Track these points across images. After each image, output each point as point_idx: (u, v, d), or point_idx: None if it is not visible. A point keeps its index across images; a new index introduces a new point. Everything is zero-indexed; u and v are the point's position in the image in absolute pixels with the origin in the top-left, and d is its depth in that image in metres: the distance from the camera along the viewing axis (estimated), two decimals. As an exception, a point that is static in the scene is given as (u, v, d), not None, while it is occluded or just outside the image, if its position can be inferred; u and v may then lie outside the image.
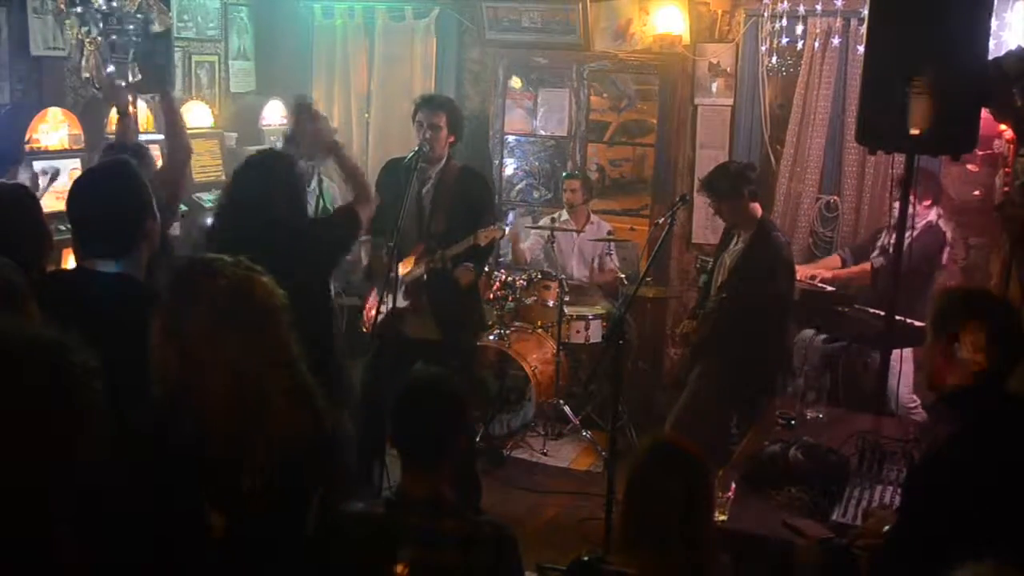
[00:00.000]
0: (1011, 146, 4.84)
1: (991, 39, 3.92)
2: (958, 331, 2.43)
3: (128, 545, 1.79)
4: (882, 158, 5.25)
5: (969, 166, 5.42)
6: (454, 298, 4.44)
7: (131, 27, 4.47)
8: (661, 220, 5.04)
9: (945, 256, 5.08)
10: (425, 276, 4.40)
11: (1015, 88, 4.01)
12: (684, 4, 6.03)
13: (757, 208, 4.62)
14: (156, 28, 4.53)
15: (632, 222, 6.39)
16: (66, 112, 5.34)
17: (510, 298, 5.76)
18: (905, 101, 3.58)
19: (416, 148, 4.31)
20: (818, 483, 2.98)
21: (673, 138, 6.24)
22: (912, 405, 4.87)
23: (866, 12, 3.92)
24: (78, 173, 4.44)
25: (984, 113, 3.82)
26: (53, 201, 4.61)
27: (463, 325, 4.57)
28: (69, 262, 3.56)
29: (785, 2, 5.62)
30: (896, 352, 4.28)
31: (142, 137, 4.82)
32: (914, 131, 3.60)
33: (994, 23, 4.22)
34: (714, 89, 6.10)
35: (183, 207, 4.99)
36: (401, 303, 4.37)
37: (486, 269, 5.30)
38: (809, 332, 5.09)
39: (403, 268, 4.37)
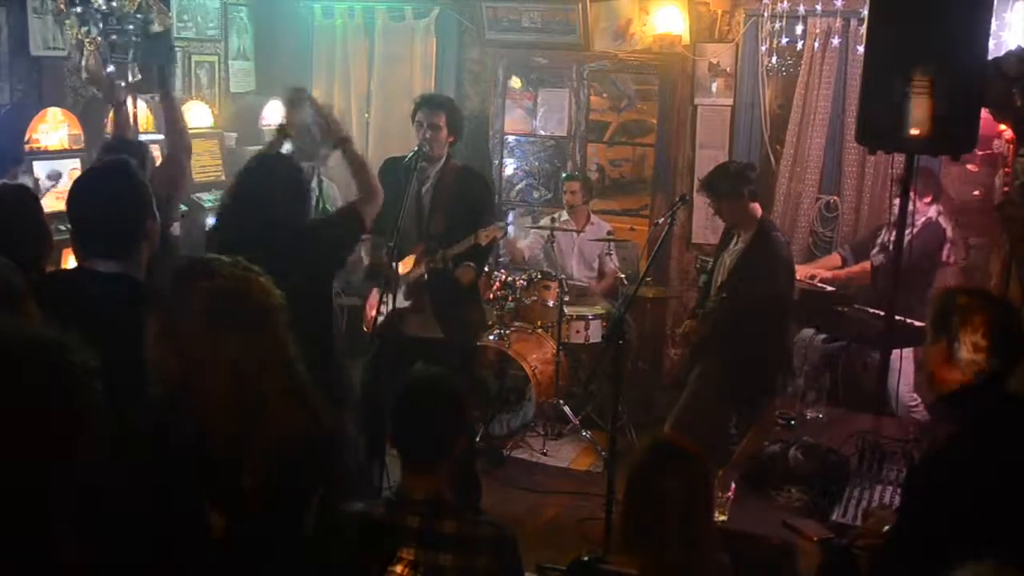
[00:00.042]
0: (1011, 146, 4.85)
1: (991, 39, 3.92)
2: (958, 331, 2.43)
3: (128, 545, 1.79)
4: (882, 158, 5.24)
5: (969, 166, 5.42)
6: (455, 298, 4.44)
7: (131, 27, 4.47)
8: (661, 220, 5.05)
9: (946, 252, 5.08)
10: (426, 276, 4.40)
11: (1015, 88, 4.02)
12: (684, 4, 6.03)
13: (757, 208, 4.62)
14: (156, 28, 4.54)
15: (632, 222, 6.39)
16: (66, 112, 5.34)
17: (510, 298, 5.76)
18: (905, 101, 3.58)
19: (416, 148, 4.31)
20: (818, 483, 2.98)
21: (673, 138, 6.25)
22: (912, 405, 4.87)
23: (866, 12, 3.92)
24: (78, 173, 4.45)
25: (984, 113, 3.82)
26: (53, 201, 4.61)
27: (464, 325, 4.57)
28: (69, 262, 3.55)
29: (785, 2, 5.62)
30: (896, 352, 4.28)
31: (142, 137, 4.82)
32: (914, 131, 3.60)
33: (994, 23, 4.22)
34: (714, 89, 6.10)
35: (183, 207, 4.99)
36: (402, 303, 4.37)
37: (486, 269, 5.30)
38: (809, 332, 5.09)
39: (402, 268, 4.37)
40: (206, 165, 6.34)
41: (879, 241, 5.16)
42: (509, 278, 5.80)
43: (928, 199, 4.97)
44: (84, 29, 4.53)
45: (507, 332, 5.64)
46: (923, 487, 2.34)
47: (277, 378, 2.00)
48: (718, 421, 4.69)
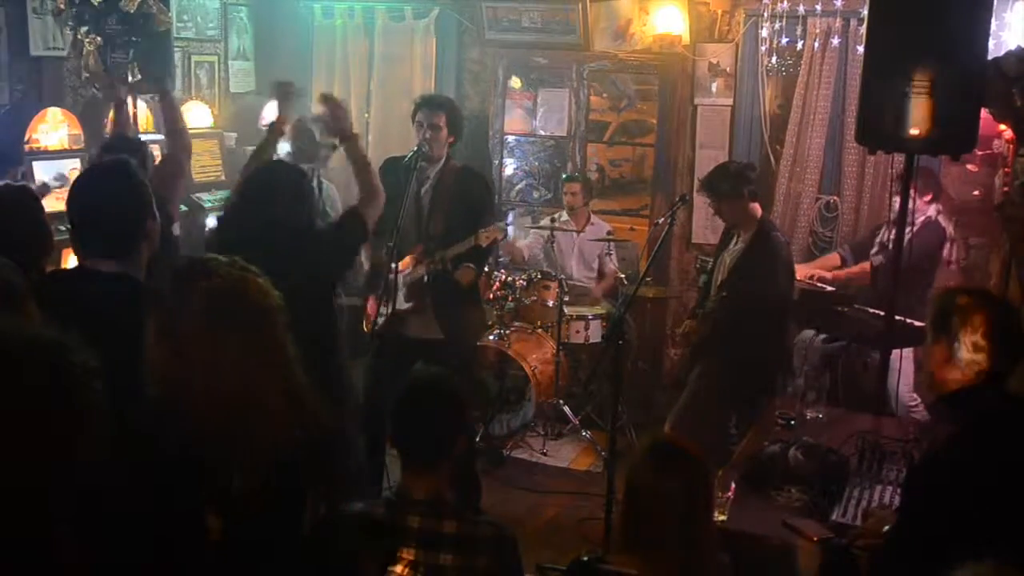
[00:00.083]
0: (1011, 146, 4.85)
1: (991, 39, 3.92)
2: (958, 331, 2.43)
3: (128, 545, 1.79)
4: (882, 158, 5.25)
5: (969, 166, 5.42)
6: (455, 299, 4.44)
7: (131, 27, 4.47)
8: (661, 220, 5.05)
9: (947, 251, 5.08)
10: (426, 277, 4.40)
11: (1015, 88, 4.02)
12: (684, 4, 6.03)
13: (757, 208, 4.62)
14: (156, 28, 4.54)
15: (632, 222, 6.39)
16: (66, 112, 5.34)
17: (510, 298, 5.76)
18: (905, 101, 3.59)
19: (415, 147, 4.31)
20: (818, 483, 2.98)
21: (673, 138, 6.25)
22: (912, 405, 4.87)
23: (866, 12, 3.92)
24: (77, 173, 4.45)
25: (984, 113, 3.82)
26: (53, 201, 4.60)
27: (464, 325, 4.57)
28: (69, 262, 3.56)
29: (785, 2, 5.62)
30: (896, 352, 4.28)
31: (142, 137, 4.83)
32: (914, 131, 3.60)
33: (994, 23, 4.22)
34: (714, 89, 6.10)
35: (183, 207, 4.99)
36: (403, 305, 4.37)
37: (486, 269, 5.30)
38: (809, 332, 5.09)
39: (400, 266, 4.37)
40: (206, 165, 6.35)
41: (878, 240, 5.16)
42: (509, 278, 5.80)
43: (928, 198, 4.97)
44: (84, 29, 4.53)
45: (507, 332, 5.64)
46: (923, 487, 2.34)
47: (274, 378, 2.00)
48: (718, 421, 4.69)
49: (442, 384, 2.37)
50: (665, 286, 6.29)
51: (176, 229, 4.17)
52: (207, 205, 6.02)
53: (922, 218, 4.89)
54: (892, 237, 4.11)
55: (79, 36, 4.58)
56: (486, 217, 4.50)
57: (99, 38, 4.46)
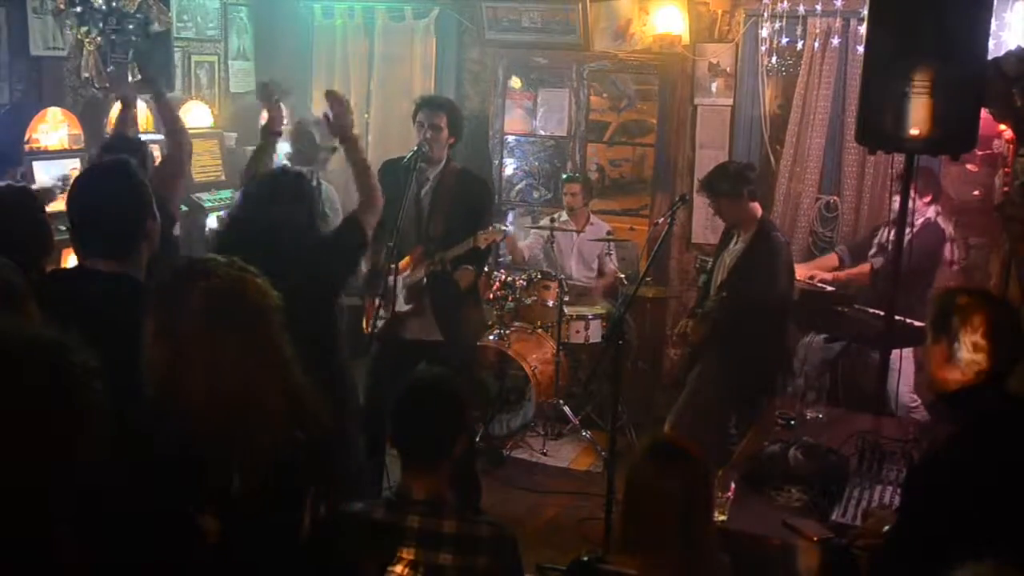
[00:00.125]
0: (1011, 146, 4.85)
1: (991, 39, 3.92)
2: (958, 331, 2.43)
3: (128, 545, 1.79)
4: (882, 158, 5.25)
5: (969, 166, 5.42)
6: (455, 300, 4.44)
7: (131, 27, 4.48)
8: (661, 220, 5.05)
9: (947, 251, 5.08)
10: (426, 279, 4.40)
11: (1015, 88, 4.02)
12: (684, 4, 6.03)
13: (757, 208, 4.62)
14: (156, 28, 4.55)
15: (632, 222, 6.39)
16: (66, 112, 5.34)
17: (510, 298, 5.76)
18: (905, 101, 3.59)
19: (415, 148, 4.31)
20: (818, 483, 2.98)
21: (673, 138, 6.25)
22: (912, 405, 4.87)
23: (866, 12, 3.92)
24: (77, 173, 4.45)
25: (984, 113, 3.82)
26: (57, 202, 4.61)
27: (464, 326, 4.57)
28: (69, 262, 3.56)
29: (785, 2, 5.62)
30: (896, 352, 4.28)
31: (142, 137, 4.83)
32: (914, 131, 3.61)
33: (994, 23, 4.22)
34: (714, 89, 6.10)
35: (183, 207, 4.99)
36: (403, 307, 4.37)
37: (486, 269, 5.30)
38: (812, 335, 5.08)
39: (400, 268, 4.37)
40: (206, 165, 6.34)
41: (876, 242, 5.16)
42: (509, 278, 5.80)
43: (927, 199, 4.97)
44: (84, 29, 4.54)
45: (507, 332, 5.64)
46: (923, 487, 2.34)
47: (275, 378, 2.00)
48: (718, 421, 4.69)
49: (442, 384, 2.37)
50: (665, 286, 6.29)
51: (177, 229, 4.18)
52: (207, 205, 6.01)
53: (921, 220, 4.89)
54: (891, 238, 4.11)
55: (79, 36, 4.58)
56: (485, 219, 4.51)
57: (99, 38, 4.47)
